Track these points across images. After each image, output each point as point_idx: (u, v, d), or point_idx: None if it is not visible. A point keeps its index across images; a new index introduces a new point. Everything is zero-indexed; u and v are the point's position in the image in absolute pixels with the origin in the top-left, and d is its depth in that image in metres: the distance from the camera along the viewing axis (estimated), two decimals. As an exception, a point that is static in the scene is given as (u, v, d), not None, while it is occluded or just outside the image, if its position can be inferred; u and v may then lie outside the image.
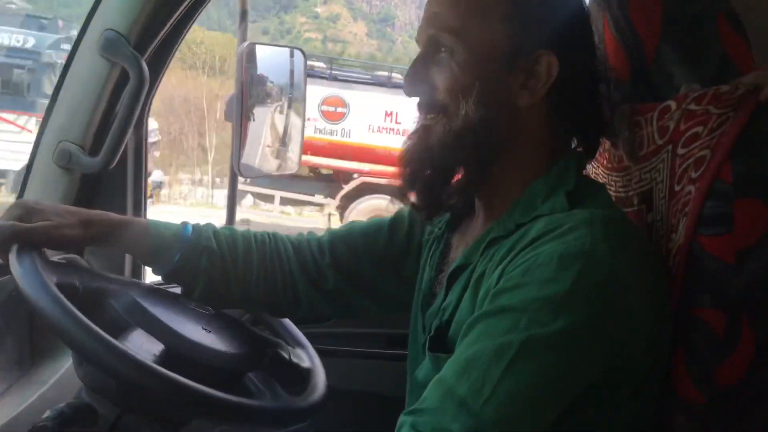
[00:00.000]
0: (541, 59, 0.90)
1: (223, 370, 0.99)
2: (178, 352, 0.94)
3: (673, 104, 0.92)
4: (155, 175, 9.33)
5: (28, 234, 0.96)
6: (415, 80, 0.94)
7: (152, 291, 1.08)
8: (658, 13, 0.93)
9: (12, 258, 0.90)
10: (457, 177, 0.97)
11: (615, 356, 0.80)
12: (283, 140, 1.89)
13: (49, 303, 0.84)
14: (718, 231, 0.85)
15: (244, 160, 1.73)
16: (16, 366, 1.19)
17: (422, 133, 0.95)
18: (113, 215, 1.10)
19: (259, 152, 1.84)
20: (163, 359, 0.90)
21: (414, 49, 0.98)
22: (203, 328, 1.03)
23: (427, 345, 0.95)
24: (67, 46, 9.00)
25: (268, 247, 1.16)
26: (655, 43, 0.94)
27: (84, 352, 0.84)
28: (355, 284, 1.17)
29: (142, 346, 0.91)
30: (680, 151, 0.90)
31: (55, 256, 1.05)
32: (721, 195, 0.85)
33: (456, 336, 0.87)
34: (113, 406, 0.93)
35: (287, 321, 1.23)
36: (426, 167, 0.95)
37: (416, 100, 0.95)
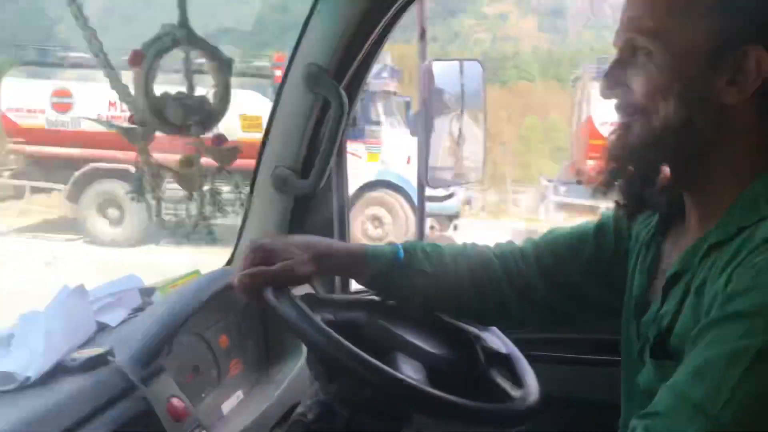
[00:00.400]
0: (750, 54, 0.86)
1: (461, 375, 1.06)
2: (435, 369, 1.03)
3: None
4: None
5: (276, 278, 1.05)
6: (611, 83, 0.94)
7: (388, 311, 1.16)
8: None
9: (271, 299, 1.00)
10: (665, 176, 0.96)
11: None
12: (465, 149, 1.96)
13: (325, 338, 0.94)
14: None
15: (430, 171, 1.83)
16: (255, 367, 1.36)
17: (623, 131, 0.95)
18: (336, 246, 1.23)
19: (442, 162, 1.92)
20: (426, 378, 1.00)
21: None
22: (438, 345, 1.10)
23: (648, 352, 0.94)
24: (386, 74, 9.72)
25: (474, 259, 1.22)
26: None
27: (361, 377, 0.93)
28: (564, 293, 1.18)
29: (408, 371, 1.00)
30: None
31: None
32: None
33: (679, 344, 0.87)
34: (345, 405, 1.02)
35: (495, 329, 1.26)
36: (627, 164, 0.95)
37: (613, 101, 0.96)
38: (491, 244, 1.26)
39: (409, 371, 0.98)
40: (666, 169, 0.96)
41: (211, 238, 0.98)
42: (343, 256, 1.18)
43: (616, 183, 0.97)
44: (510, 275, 1.19)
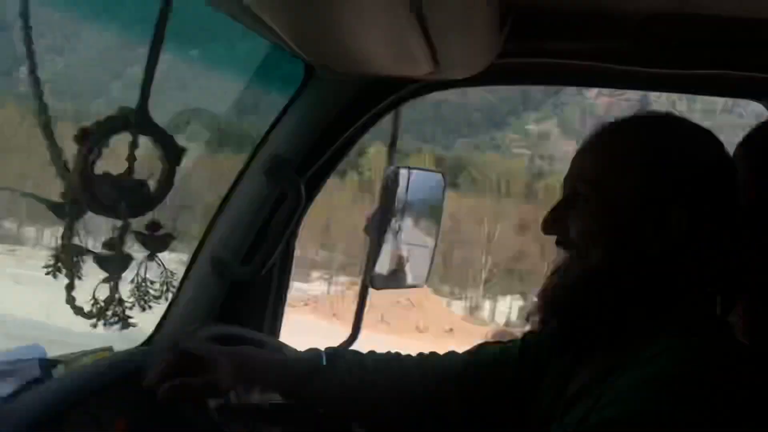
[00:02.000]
0: (672, 212, 0.92)
1: None
2: None
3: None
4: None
5: (197, 393, 1.07)
6: (552, 220, 1.00)
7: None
8: None
9: (189, 414, 0.98)
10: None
11: None
12: (415, 256, 1.96)
13: None
14: None
15: (377, 272, 1.81)
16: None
17: (559, 272, 1.00)
18: (257, 354, 1.20)
19: (390, 265, 1.91)
20: None
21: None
22: None
23: None
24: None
25: (394, 370, 1.21)
26: None
27: None
28: (481, 411, 1.18)
29: None
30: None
31: None
32: None
33: None
34: None
35: None
36: (562, 305, 0.99)
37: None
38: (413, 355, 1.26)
39: None
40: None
41: (124, 325, 0.92)
42: (264, 365, 1.18)
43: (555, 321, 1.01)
44: (427, 388, 1.19)
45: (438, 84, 1.47)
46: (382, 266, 1.87)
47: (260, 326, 1.53)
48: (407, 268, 1.97)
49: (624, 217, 0.95)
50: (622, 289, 0.95)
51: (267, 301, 1.55)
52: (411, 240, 1.94)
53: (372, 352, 1.26)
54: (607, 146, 1.01)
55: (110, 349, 1.30)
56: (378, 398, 1.19)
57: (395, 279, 1.94)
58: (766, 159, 0.98)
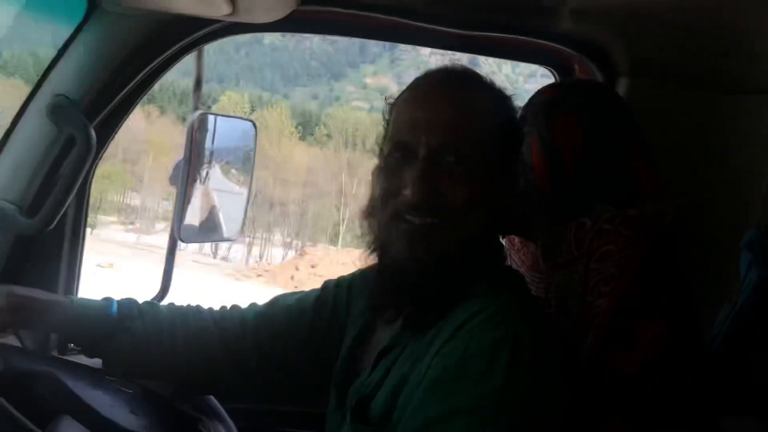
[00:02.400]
0: (515, 172, 0.97)
1: None
2: None
3: (588, 221, 0.99)
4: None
5: None
6: (425, 183, 0.91)
7: (78, 370, 1.06)
8: (578, 137, 1.02)
9: None
10: None
11: None
12: (226, 207, 1.91)
13: None
14: (624, 346, 0.91)
15: (186, 224, 1.75)
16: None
17: (419, 240, 0.92)
18: (41, 296, 1.11)
19: (201, 218, 1.85)
20: None
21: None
22: (131, 412, 1.01)
23: (348, 417, 0.96)
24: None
25: (191, 324, 1.17)
26: (574, 163, 1.02)
27: None
28: (276, 366, 1.17)
29: None
30: (593, 265, 0.97)
31: None
32: (627, 312, 0.91)
33: (379, 409, 0.91)
34: None
35: (211, 398, 1.22)
36: (422, 274, 0.92)
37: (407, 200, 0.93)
38: (217, 307, 1.23)
39: None
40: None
41: None
42: (47, 305, 1.09)
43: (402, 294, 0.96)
44: (226, 344, 1.16)
45: (238, 26, 1.42)
46: (193, 218, 1.80)
47: (54, 286, 1.42)
48: (220, 220, 1.92)
49: (498, 181, 0.94)
50: (480, 255, 0.95)
51: (60, 257, 1.44)
52: (222, 190, 1.89)
53: (171, 305, 1.21)
54: (477, 106, 0.95)
55: None
56: (170, 352, 1.14)
57: (206, 232, 1.89)
58: (546, 121, 1.06)
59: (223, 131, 1.81)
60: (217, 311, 1.22)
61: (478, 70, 1.00)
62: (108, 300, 1.15)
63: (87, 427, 0.92)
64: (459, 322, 0.87)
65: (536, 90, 1.13)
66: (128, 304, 1.15)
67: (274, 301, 1.22)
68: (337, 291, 1.19)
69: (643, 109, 1.11)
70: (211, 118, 1.77)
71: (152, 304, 1.20)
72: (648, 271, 0.92)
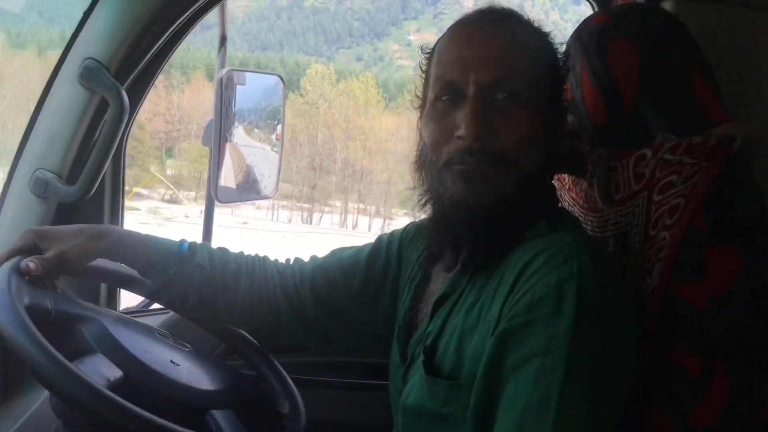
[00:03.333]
0: (565, 111, 0.95)
1: (184, 405, 0.96)
2: (137, 381, 0.92)
3: (648, 152, 0.95)
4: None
5: (48, 263, 1.01)
6: (480, 124, 0.88)
7: (125, 321, 1.06)
8: (635, 63, 0.97)
9: None
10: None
11: (626, 373, 0.84)
12: (260, 166, 1.90)
13: (10, 320, 0.83)
14: (692, 277, 0.88)
15: (221, 185, 1.74)
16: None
17: (473, 182, 0.90)
18: (118, 228, 1.15)
19: (234, 176, 1.84)
20: (119, 386, 0.89)
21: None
22: (171, 361, 1.01)
23: (414, 371, 0.96)
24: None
25: (257, 272, 1.19)
26: (631, 92, 0.97)
27: (34, 368, 0.81)
28: (333, 316, 1.18)
29: (97, 370, 0.89)
30: (656, 197, 0.93)
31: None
32: (694, 242, 0.88)
33: (442, 359, 0.91)
34: None
35: (264, 353, 1.22)
36: (481, 219, 0.90)
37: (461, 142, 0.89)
38: (282, 260, 1.24)
39: (96, 374, 0.88)
40: None
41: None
42: (124, 236, 1.12)
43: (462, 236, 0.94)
44: (287, 293, 1.18)
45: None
46: (228, 178, 1.79)
47: None
48: (255, 178, 1.91)
49: (549, 119, 0.92)
50: (538, 195, 0.93)
51: (101, 222, 1.44)
52: (256, 148, 1.88)
53: (240, 253, 1.22)
54: (525, 42, 0.92)
55: None
56: (234, 294, 1.16)
57: (242, 191, 1.88)
58: (598, 49, 1.01)
59: (251, 87, 1.79)
60: (281, 262, 1.23)
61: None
62: (180, 240, 1.17)
63: (118, 366, 0.92)
64: (520, 267, 0.85)
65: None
66: (200, 246, 1.17)
67: (332, 253, 1.23)
68: (389, 244, 1.18)
69: (695, 32, 1.05)
70: (238, 74, 1.74)
71: (222, 249, 1.21)
72: (716, 200, 0.88)
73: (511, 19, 0.95)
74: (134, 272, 1.16)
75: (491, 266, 0.92)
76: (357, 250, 1.21)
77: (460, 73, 0.90)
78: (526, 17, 0.97)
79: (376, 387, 1.47)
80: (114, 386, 0.88)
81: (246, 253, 1.23)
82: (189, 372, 1.00)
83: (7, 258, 1.01)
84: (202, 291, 1.14)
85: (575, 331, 0.79)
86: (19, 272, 0.97)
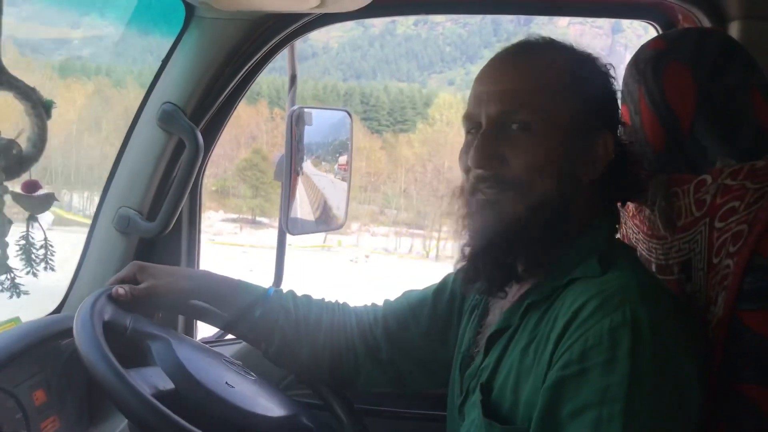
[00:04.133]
0: (601, 137, 0.94)
1: (231, 424, 0.99)
2: (187, 395, 0.97)
3: (708, 178, 0.92)
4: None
5: (140, 293, 1.11)
6: (486, 154, 0.92)
7: (195, 345, 1.12)
8: (691, 87, 0.95)
9: (81, 348, 0.94)
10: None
11: (689, 416, 0.82)
12: (330, 198, 1.95)
13: (82, 328, 0.93)
14: (759, 306, 0.85)
15: (292, 217, 1.79)
16: (75, 423, 1.25)
17: (490, 209, 0.93)
18: (213, 273, 1.23)
19: (305, 209, 1.90)
20: (166, 397, 0.94)
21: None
22: (227, 383, 1.05)
23: (471, 407, 0.96)
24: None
25: (336, 315, 1.24)
26: (689, 116, 0.96)
27: (88, 368, 0.89)
28: (405, 356, 1.20)
29: (148, 380, 0.95)
30: (717, 224, 0.91)
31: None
32: (760, 270, 0.85)
33: (501, 399, 0.90)
34: None
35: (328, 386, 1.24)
36: (496, 245, 0.93)
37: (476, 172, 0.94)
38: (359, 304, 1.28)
39: (146, 382, 0.94)
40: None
41: (16, 292, 0.88)
42: (215, 279, 1.21)
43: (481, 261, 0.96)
44: (363, 335, 1.22)
45: (327, 17, 1.44)
46: (299, 211, 1.85)
47: None
48: (324, 210, 1.97)
49: (567, 145, 0.92)
50: (566, 218, 0.93)
51: (179, 258, 1.52)
52: (325, 181, 1.93)
53: (321, 299, 1.28)
54: (540, 69, 0.94)
55: (17, 320, 1.25)
56: (316, 337, 1.20)
57: (313, 223, 1.93)
58: (654, 74, 1.00)
59: (320, 123, 1.85)
60: (359, 307, 1.27)
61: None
62: (268, 287, 1.24)
63: (171, 378, 0.97)
64: (572, 312, 0.84)
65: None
66: (285, 292, 1.24)
67: (404, 294, 1.26)
68: (454, 279, 1.19)
69: (760, 54, 1.02)
70: (308, 111, 1.81)
71: (306, 296, 1.27)
72: (782, 226, 0.85)
73: (535, 49, 0.97)
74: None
75: (544, 304, 0.92)
76: (425, 288, 1.24)
77: (476, 108, 0.96)
78: (564, 43, 0.98)
79: (439, 418, 1.47)
80: (160, 395, 0.93)
81: (327, 299, 1.28)
82: (242, 395, 1.03)
83: (111, 284, 1.13)
84: (286, 332, 1.19)
85: (631, 380, 0.78)
86: (110, 296, 1.08)
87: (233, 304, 1.20)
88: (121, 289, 1.10)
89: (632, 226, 1.14)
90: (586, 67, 0.96)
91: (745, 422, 0.85)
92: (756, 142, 0.92)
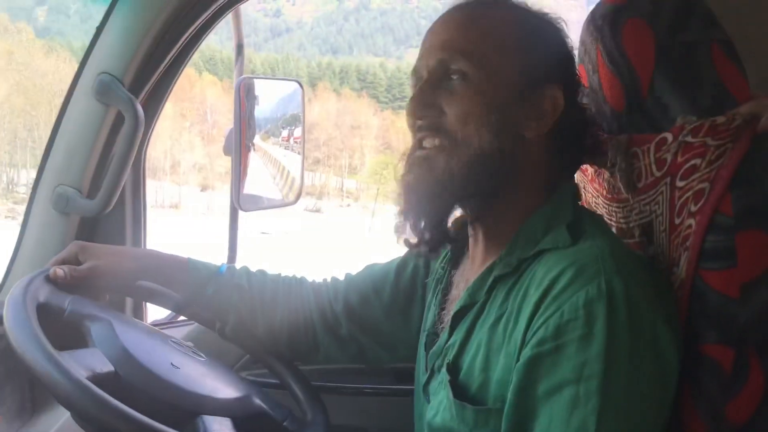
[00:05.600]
0: (548, 92, 0.90)
1: (174, 406, 0.94)
2: (128, 377, 0.92)
3: (669, 136, 0.90)
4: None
5: (83, 274, 1.06)
6: (423, 103, 0.91)
7: (138, 326, 1.07)
8: (651, 43, 0.92)
9: (8, 327, 0.88)
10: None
11: (668, 388, 0.81)
12: (282, 172, 1.89)
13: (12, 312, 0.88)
14: (721, 265, 0.83)
15: (244, 193, 1.73)
16: (16, 416, 1.18)
17: (424, 164, 0.91)
18: (160, 252, 1.18)
19: (258, 185, 1.84)
20: (105, 380, 0.89)
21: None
22: (171, 364, 0.99)
23: (449, 389, 0.91)
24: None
25: (294, 291, 1.20)
26: (649, 74, 0.93)
27: (19, 356, 0.83)
28: (366, 331, 1.17)
29: (84, 362, 0.89)
30: (679, 183, 0.89)
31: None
32: (722, 228, 0.83)
33: (470, 379, 0.87)
34: None
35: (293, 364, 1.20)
36: (432, 200, 0.91)
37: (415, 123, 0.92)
38: (318, 279, 1.24)
39: (82, 365, 0.88)
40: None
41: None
42: (164, 258, 1.16)
43: (418, 222, 0.94)
44: (321, 311, 1.18)
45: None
46: (251, 186, 1.79)
47: None
48: (276, 185, 1.91)
49: (508, 98, 0.89)
50: (505, 176, 0.90)
51: (124, 237, 1.45)
52: (276, 155, 1.87)
53: (278, 274, 1.24)
54: (485, 22, 0.92)
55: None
56: (272, 312, 1.17)
57: (266, 199, 1.88)
58: (611, 31, 0.97)
59: (269, 94, 1.78)
60: (317, 281, 1.23)
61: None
62: (220, 264, 1.19)
63: (110, 361, 0.92)
64: (545, 285, 0.81)
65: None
66: (239, 268, 1.20)
67: (366, 267, 1.22)
68: (415, 254, 1.15)
69: (716, 9, 1.00)
70: (256, 81, 1.74)
71: (261, 271, 1.22)
72: (743, 182, 0.83)
73: (484, 4, 0.94)
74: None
75: (511, 277, 0.89)
76: (388, 262, 1.20)
77: (419, 61, 0.94)
78: (519, 2, 0.95)
79: (403, 392, 1.44)
80: (98, 378, 0.87)
81: (284, 274, 1.24)
82: (187, 376, 0.98)
83: (51, 265, 1.07)
84: (241, 310, 1.15)
85: (608, 355, 0.76)
86: (47, 277, 1.02)
87: (184, 284, 1.14)
88: (59, 270, 1.04)
89: (591, 190, 1.12)
90: (533, 22, 0.93)
91: (709, 383, 0.84)
92: (717, 98, 0.90)
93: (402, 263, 1.17)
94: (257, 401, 1.02)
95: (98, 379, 0.87)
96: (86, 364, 0.88)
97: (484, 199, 0.92)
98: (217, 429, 0.91)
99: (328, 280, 1.23)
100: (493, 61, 0.89)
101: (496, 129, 0.88)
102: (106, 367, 0.90)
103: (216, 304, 1.15)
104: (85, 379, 0.81)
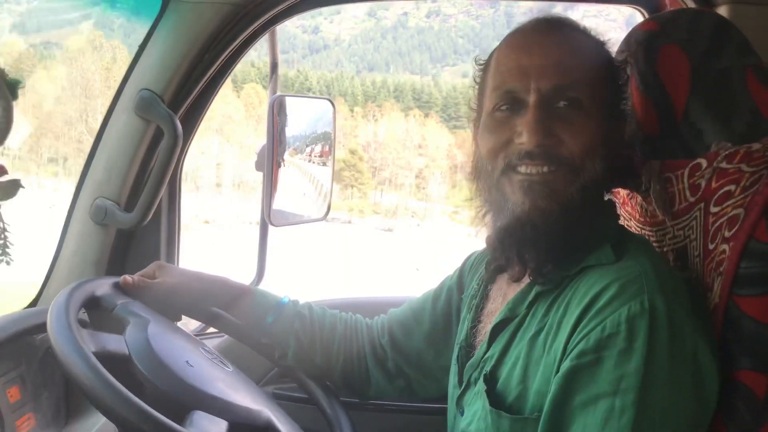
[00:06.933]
0: (626, 120, 0.93)
1: (173, 400, 0.95)
2: (139, 363, 0.95)
3: (704, 162, 0.91)
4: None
5: (144, 284, 1.13)
6: (544, 132, 0.87)
7: (174, 329, 1.10)
8: (686, 68, 0.93)
9: (52, 330, 0.91)
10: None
11: (706, 406, 0.81)
12: (313, 188, 1.91)
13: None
14: (756, 291, 0.83)
15: (275, 209, 1.76)
16: (51, 422, 1.21)
17: (538, 187, 0.88)
18: (230, 280, 1.23)
19: (287, 200, 1.86)
20: (114, 359, 0.93)
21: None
22: (187, 362, 1.01)
23: (485, 398, 0.92)
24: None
25: (350, 324, 1.24)
26: (683, 99, 0.93)
27: (64, 364, 0.87)
28: (411, 362, 1.19)
29: (98, 339, 0.93)
30: (713, 209, 0.89)
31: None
32: (756, 255, 0.83)
33: (507, 389, 0.88)
34: None
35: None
36: (541, 224, 0.87)
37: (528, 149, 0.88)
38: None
39: (92, 342, 0.92)
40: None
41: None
42: (231, 285, 1.21)
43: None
44: (372, 344, 1.22)
45: (308, 3, 1.40)
46: (281, 202, 1.81)
47: None
48: (306, 201, 1.93)
49: (610, 128, 0.89)
50: (600, 206, 0.92)
51: (158, 250, 1.48)
52: (306, 171, 1.89)
53: (336, 310, 1.27)
54: (585, 50, 0.91)
55: (-12, 314, 1.21)
56: (329, 344, 1.20)
57: (295, 214, 1.90)
58: (646, 57, 0.98)
59: (302, 112, 1.81)
60: (369, 320, 1.27)
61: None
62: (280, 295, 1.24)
63: (129, 347, 0.96)
64: (587, 300, 0.82)
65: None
66: (300, 302, 1.25)
67: (407, 302, 1.25)
68: (452, 277, 1.20)
69: (751, 36, 1.00)
70: (289, 100, 1.77)
71: (321, 307, 1.26)
72: (779, 209, 0.83)
73: (566, 26, 0.93)
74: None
75: (553, 292, 0.89)
76: (426, 292, 1.23)
77: (520, 82, 0.89)
78: (581, 25, 0.95)
79: (434, 411, 1.44)
80: (106, 355, 0.91)
81: (339, 312, 1.28)
82: (199, 375, 0.99)
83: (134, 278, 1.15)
84: (301, 337, 1.18)
85: (646, 371, 0.76)
86: (117, 282, 1.12)
87: (247, 310, 1.20)
88: (129, 277, 1.12)
89: (624, 213, 1.12)
90: (607, 49, 0.95)
91: (741, 409, 0.83)
92: (752, 124, 0.90)
93: (437, 291, 1.20)
94: (267, 415, 1.01)
95: (106, 355, 0.91)
96: (99, 341, 0.93)
97: (585, 225, 0.90)
98: (206, 426, 0.91)
99: (377, 318, 1.26)
100: (598, 91, 0.89)
101: (607, 159, 0.89)
102: (122, 350, 0.95)
103: (276, 332, 1.19)
104: (92, 353, 0.87)
